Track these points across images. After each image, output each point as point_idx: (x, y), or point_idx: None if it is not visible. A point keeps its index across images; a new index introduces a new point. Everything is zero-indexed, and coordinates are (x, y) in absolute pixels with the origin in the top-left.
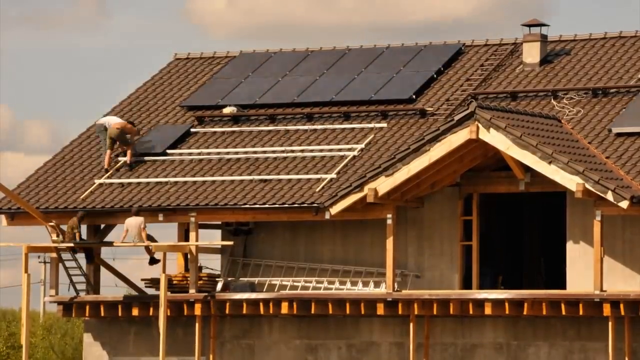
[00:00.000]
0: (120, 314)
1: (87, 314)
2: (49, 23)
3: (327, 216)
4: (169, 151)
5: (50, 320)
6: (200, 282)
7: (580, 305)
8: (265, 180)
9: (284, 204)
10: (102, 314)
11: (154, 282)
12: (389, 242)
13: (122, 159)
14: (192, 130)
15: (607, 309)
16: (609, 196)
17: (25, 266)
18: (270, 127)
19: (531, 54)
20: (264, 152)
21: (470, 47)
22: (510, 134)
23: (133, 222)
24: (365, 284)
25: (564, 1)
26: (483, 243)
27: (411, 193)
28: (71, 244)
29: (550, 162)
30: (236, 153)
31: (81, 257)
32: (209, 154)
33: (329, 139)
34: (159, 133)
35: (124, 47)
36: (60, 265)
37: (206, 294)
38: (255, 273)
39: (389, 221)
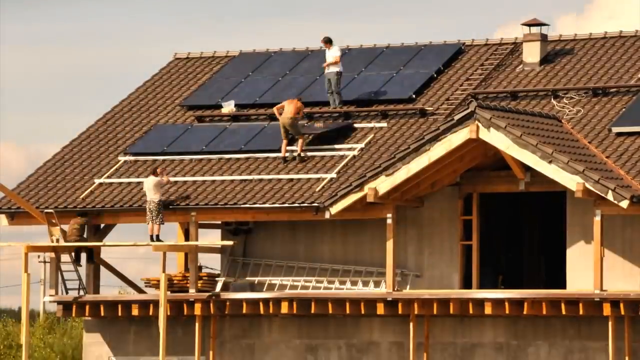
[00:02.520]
0: (120, 313)
1: (87, 314)
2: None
3: (327, 216)
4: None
5: (50, 319)
6: (200, 281)
7: (580, 305)
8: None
9: (284, 203)
10: (102, 314)
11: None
12: (389, 242)
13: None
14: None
15: (607, 309)
16: (609, 196)
17: (25, 266)
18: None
19: (531, 53)
20: (264, 151)
21: (470, 47)
22: (510, 133)
23: (150, 182)
24: (365, 284)
25: None
26: (483, 243)
27: (411, 192)
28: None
29: (550, 162)
30: (236, 153)
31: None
32: (209, 153)
33: (329, 139)
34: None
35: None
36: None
37: (209, 293)
38: (255, 273)
39: (389, 221)
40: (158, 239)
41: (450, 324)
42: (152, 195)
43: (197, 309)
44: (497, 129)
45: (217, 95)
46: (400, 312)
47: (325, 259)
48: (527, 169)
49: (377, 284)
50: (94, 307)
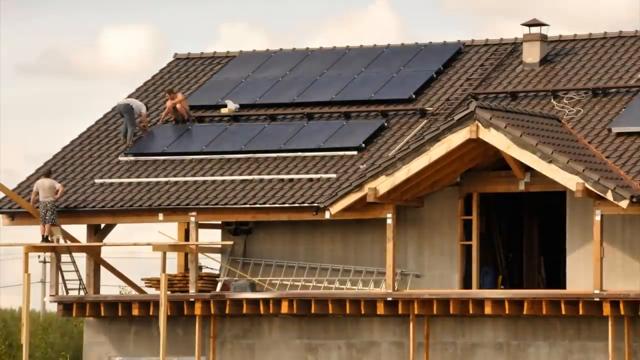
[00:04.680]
0: (120, 313)
1: (87, 314)
2: None
3: (327, 216)
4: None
5: (50, 319)
6: (200, 282)
7: (580, 305)
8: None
9: (284, 204)
10: (102, 314)
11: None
12: (389, 242)
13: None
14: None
15: (606, 309)
16: (609, 196)
17: (25, 266)
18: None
19: (531, 53)
20: (264, 151)
21: (470, 47)
22: (510, 133)
23: (46, 183)
24: (365, 284)
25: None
26: (483, 243)
27: (411, 192)
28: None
29: (550, 162)
30: (236, 153)
31: (80, 256)
32: (209, 153)
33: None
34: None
35: None
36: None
37: (209, 292)
38: (255, 272)
39: (389, 221)
40: (47, 240)
41: (450, 324)
42: (45, 196)
43: (197, 309)
44: (497, 129)
45: (217, 95)
46: (400, 312)
47: (325, 259)
48: (527, 169)
49: (377, 284)
50: (94, 307)
